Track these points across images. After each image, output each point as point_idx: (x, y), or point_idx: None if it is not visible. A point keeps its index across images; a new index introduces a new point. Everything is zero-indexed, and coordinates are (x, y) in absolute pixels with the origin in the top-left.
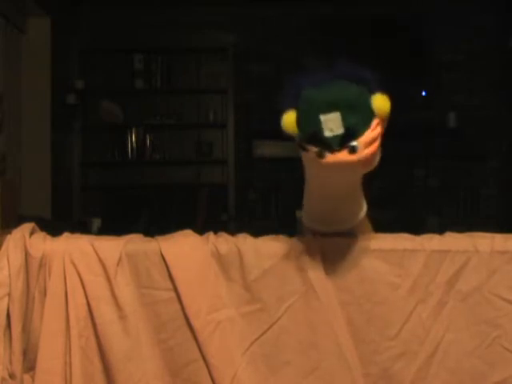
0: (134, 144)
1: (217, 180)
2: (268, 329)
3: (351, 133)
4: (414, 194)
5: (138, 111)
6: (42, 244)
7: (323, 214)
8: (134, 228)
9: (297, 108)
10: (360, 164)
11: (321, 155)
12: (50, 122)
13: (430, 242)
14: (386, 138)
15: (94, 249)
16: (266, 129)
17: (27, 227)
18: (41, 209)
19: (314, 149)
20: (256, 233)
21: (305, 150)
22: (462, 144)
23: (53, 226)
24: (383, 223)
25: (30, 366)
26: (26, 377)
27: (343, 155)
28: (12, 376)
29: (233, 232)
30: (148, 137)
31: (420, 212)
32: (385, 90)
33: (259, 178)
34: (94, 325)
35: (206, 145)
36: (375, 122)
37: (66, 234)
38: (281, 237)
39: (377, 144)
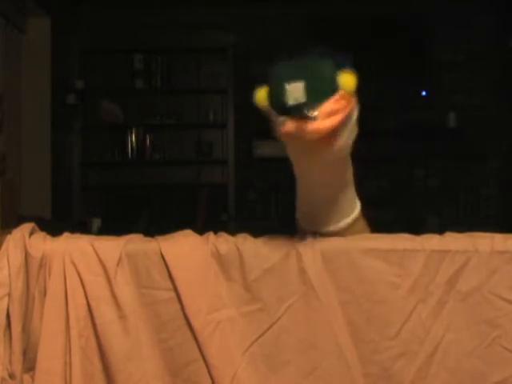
0: (134, 144)
1: (217, 180)
2: (268, 329)
3: (315, 104)
4: (413, 193)
5: (138, 111)
6: (42, 244)
7: (310, 212)
8: (134, 228)
9: (267, 82)
10: (317, 135)
11: (283, 124)
12: (50, 122)
13: (430, 241)
14: (386, 137)
15: (94, 249)
16: (266, 129)
17: (27, 227)
18: (41, 209)
19: (281, 119)
20: (256, 233)
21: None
22: (462, 144)
23: (53, 226)
24: (383, 223)
25: (29, 366)
26: (26, 377)
27: (301, 124)
28: (12, 376)
29: (233, 232)
30: (148, 137)
31: (420, 212)
32: (385, 90)
33: (259, 178)
34: (94, 325)
35: (206, 145)
36: (339, 95)
37: (66, 234)
38: (281, 237)
39: (338, 118)
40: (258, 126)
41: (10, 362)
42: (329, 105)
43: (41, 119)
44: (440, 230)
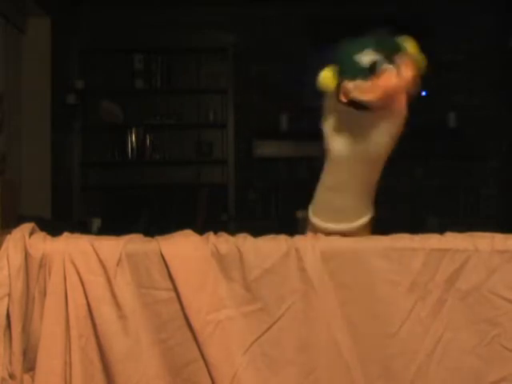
0: (134, 144)
1: (217, 180)
2: (268, 328)
3: (389, 60)
4: (414, 194)
5: (138, 111)
6: (41, 244)
7: (335, 208)
8: (134, 228)
9: (332, 63)
10: (402, 83)
11: (366, 83)
12: (50, 122)
13: (430, 240)
14: None
15: (94, 249)
16: (266, 129)
17: (27, 227)
18: (41, 209)
19: (359, 82)
20: (256, 233)
21: (345, 99)
22: (462, 144)
23: (53, 226)
24: (383, 223)
25: (29, 366)
26: (26, 377)
27: (390, 76)
28: (12, 376)
29: (233, 232)
30: (148, 137)
31: (420, 212)
32: None
33: (259, 178)
34: (94, 325)
35: (206, 145)
36: (408, 59)
37: (66, 234)
38: (281, 237)
39: (413, 71)
40: (258, 125)
41: (10, 362)
42: (406, 56)
43: (41, 119)
44: (440, 230)
